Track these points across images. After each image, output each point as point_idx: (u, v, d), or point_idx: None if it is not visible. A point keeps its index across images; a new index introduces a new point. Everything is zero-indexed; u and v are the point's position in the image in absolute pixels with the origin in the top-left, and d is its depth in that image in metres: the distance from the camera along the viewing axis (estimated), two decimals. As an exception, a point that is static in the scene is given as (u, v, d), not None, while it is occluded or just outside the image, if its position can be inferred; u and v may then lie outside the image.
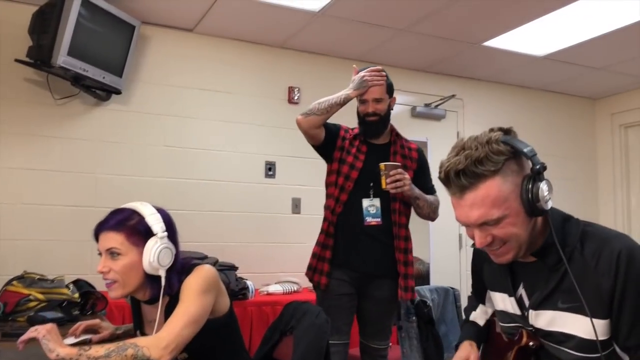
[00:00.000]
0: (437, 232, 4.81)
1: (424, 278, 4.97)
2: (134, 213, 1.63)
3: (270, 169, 4.11)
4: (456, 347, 1.67)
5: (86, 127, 3.62)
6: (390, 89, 2.74)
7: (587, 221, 1.38)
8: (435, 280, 4.80)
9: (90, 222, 3.65)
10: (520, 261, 1.38)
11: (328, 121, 2.71)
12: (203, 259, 3.30)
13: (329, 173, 2.78)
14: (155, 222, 1.62)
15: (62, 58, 3.11)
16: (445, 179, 1.28)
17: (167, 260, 1.61)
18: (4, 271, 3.26)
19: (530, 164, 1.27)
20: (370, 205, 2.66)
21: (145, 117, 3.79)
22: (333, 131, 2.75)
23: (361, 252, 2.64)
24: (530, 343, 1.38)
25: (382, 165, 2.59)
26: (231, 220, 3.97)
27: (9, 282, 2.32)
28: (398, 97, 4.67)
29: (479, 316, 1.70)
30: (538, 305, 1.35)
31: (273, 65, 4.24)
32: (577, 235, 1.32)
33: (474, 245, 1.38)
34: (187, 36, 3.97)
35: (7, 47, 3.39)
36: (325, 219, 2.72)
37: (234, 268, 3.32)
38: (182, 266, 1.68)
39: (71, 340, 1.77)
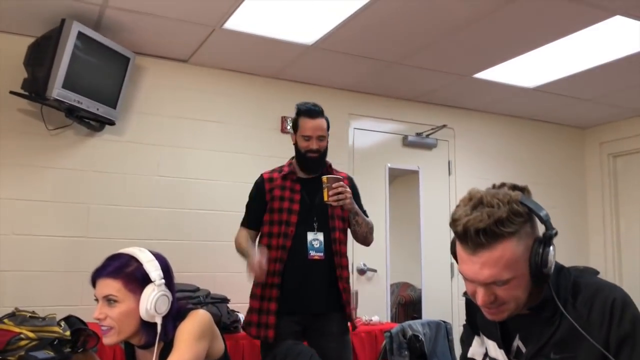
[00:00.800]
0: (428, 259, 4.83)
1: (415, 304, 4.98)
2: (131, 259, 1.64)
3: (262, 199, 4.12)
4: None
5: (79, 157, 3.62)
6: (328, 127, 2.83)
7: (577, 270, 1.40)
8: (427, 306, 4.80)
9: (83, 253, 3.67)
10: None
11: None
12: (195, 291, 3.30)
13: (265, 223, 2.77)
14: (153, 270, 1.62)
15: (56, 90, 3.12)
16: (463, 234, 1.25)
17: (164, 308, 1.62)
18: (-6, 302, 3.26)
19: (540, 226, 1.28)
20: (314, 239, 2.72)
21: (138, 147, 3.80)
22: (259, 205, 2.80)
23: (309, 292, 2.66)
24: None
25: (324, 178, 2.65)
26: (223, 250, 3.95)
27: (0, 320, 2.30)
28: (390, 125, 4.79)
29: (477, 352, 1.70)
30: (531, 358, 1.36)
31: (266, 96, 4.28)
32: (569, 287, 1.33)
33: (465, 294, 1.39)
34: (182, 67, 4.00)
35: (1, 78, 3.40)
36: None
37: (225, 300, 3.32)
38: (177, 311, 1.68)
39: (64, 385, 1.76)
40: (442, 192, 5.00)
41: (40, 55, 3.20)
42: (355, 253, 4.49)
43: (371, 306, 4.29)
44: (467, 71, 4.17)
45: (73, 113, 3.37)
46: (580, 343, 1.27)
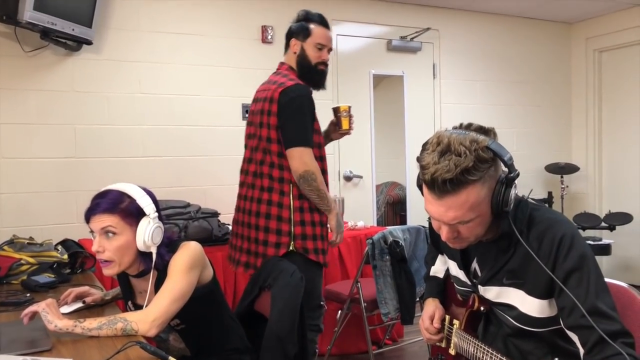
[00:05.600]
0: (413, 162, 4.93)
1: (403, 203, 5.16)
2: (123, 195, 1.72)
3: (247, 112, 4.13)
4: (422, 302, 1.83)
5: (59, 78, 3.60)
6: None
7: (536, 203, 1.48)
8: (412, 207, 4.98)
9: (72, 173, 3.77)
10: None
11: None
12: (186, 207, 3.42)
13: (315, 145, 2.55)
14: (147, 204, 1.72)
15: (28, 13, 3.05)
16: (431, 182, 1.30)
17: (159, 238, 1.73)
18: (-8, 224, 3.40)
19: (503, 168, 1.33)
20: None
21: (118, 65, 3.77)
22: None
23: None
24: (482, 308, 1.54)
25: (346, 106, 2.68)
26: (211, 164, 4.06)
27: (0, 248, 2.43)
28: (373, 29, 4.72)
29: (439, 270, 1.85)
30: (486, 282, 1.49)
31: (245, 5, 4.18)
32: (525, 220, 1.41)
33: (429, 219, 1.49)
34: (156, -22, 3.88)
35: (-30, 0, 3.31)
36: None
37: (216, 215, 3.45)
38: (168, 240, 1.80)
39: (65, 309, 1.90)
40: (427, 96, 5.03)
41: (7, -26, 3.10)
42: (342, 160, 4.61)
43: (357, 211, 4.46)
44: (450, -28, 4.06)
45: (48, 35, 3.31)
46: (529, 271, 1.39)
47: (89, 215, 1.71)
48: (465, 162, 1.27)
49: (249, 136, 2.68)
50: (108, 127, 3.74)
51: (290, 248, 2.49)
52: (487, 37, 5.22)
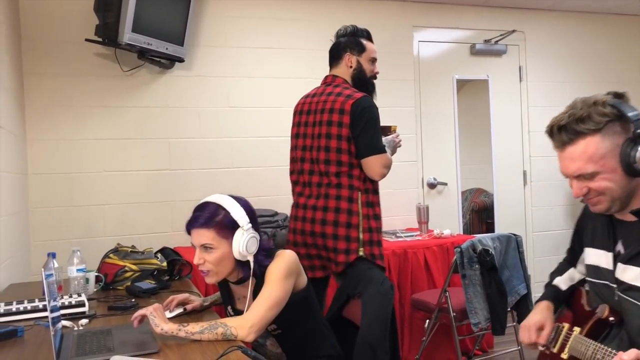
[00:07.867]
0: (500, 167, 4.82)
1: (489, 210, 5.04)
2: (219, 208, 1.80)
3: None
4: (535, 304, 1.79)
5: (154, 94, 3.81)
6: None
7: None
8: (500, 213, 4.85)
9: (167, 184, 3.96)
10: (622, 220, 1.49)
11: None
12: (274, 215, 3.52)
13: None
14: (241, 216, 1.80)
15: (127, 35, 3.26)
16: (550, 133, 1.46)
17: (254, 248, 1.81)
18: (95, 233, 3.64)
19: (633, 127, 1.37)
20: None
21: (208, 81, 3.93)
22: None
23: None
24: (611, 318, 1.51)
25: (395, 126, 2.72)
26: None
27: (106, 255, 2.58)
28: (456, 34, 4.66)
29: (563, 281, 1.81)
30: (627, 260, 1.45)
31: (327, 16, 4.25)
32: None
33: (582, 200, 1.49)
34: (241, -5, 4.03)
35: (76, 26, 3.58)
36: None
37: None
38: (265, 248, 1.87)
39: (167, 315, 2.00)
40: (514, 99, 4.89)
41: (108, 0, 3.32)
42: (426, 167, 4.57)
43: (442, 219, 4.40)
44: (536, -29, 3.94)
45: (144, 54, 3.52)
46: None
47: (189, 228, 1.82)
48: (580, 112, 1.39)
49: (304, 148, 2.66)
50: (199, 140, 3.91)
51: (360, 254, 2.47)
52: (575, 37, 5.01)
